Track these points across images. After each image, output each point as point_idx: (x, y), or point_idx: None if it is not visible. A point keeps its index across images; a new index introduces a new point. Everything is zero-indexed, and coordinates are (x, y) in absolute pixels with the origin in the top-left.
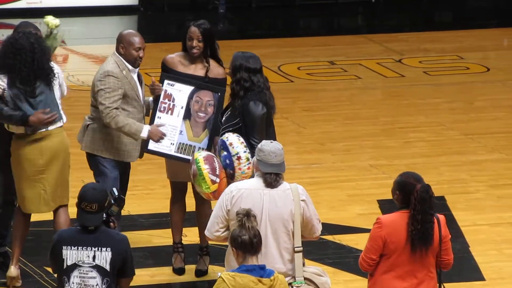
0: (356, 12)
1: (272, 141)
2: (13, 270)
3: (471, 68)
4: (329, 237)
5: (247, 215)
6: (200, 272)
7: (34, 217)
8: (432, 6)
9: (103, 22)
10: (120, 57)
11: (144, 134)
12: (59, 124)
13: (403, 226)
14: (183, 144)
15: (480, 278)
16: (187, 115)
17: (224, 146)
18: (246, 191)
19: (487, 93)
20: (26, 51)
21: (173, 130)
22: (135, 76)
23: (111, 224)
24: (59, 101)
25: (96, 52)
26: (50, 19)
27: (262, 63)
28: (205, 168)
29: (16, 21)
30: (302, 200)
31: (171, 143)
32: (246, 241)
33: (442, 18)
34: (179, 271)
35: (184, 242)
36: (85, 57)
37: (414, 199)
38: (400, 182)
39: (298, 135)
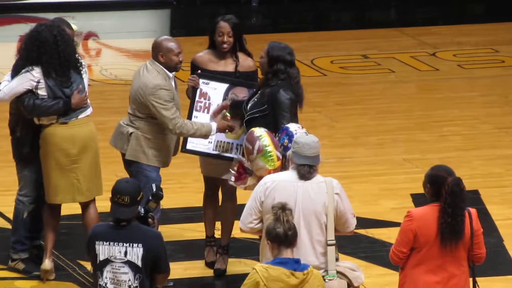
0: (389, 5)
1: (307, 133)
2: (47, 263)
3: (506, 61)
4: (362, 231)
5: (282, 208)
6: (218, 271)
7: (67, 211)
8: None
9: (137, 16)
10: (161, 66)
11: (214, 131)
12: (88, 112)
13: (433, 219)
14: (221, 141)
15: (509, 273)
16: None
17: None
18: (280, 183)
19: None
20: (50, 43)
21: None
22: (173, 82)
23: (149, 220)
24: (87, 91)
25: (129, 46)
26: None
27: (296, 57)
28: (272, 144)
29: (50, 16)
30: (336, 194)
31: (209, 141)
32: (281, 234)
33: (476, 11)
34: (212, 265)
35: (216, 236)
36: (118, 51)
37: (445, 192)
38: (431, 175)
39: (331, 129)
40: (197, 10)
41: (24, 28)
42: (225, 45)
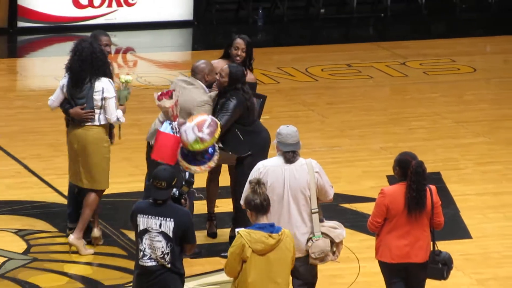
0: (368, 24)
1: (288, 125)
2: (96, 231)
3: (461, 69)
4: (347, 205)
5: (258, 183)
6: (213, 235)
7: (111, 190)
8: (430, 18)
9: (165, 34)
10: (203, 84)
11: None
12: (95, 122)
13: (401, 195)
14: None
15: (468, 236)
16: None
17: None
18: (271, 167)
19: (474, 89)
20: (73, 56)
21: None
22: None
23: (182, 200)
24: (97, 109)
25: (159, 58)
26: (123, 76)
27: (293, 66)
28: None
29: None
30: (316, 172)
31: None
32: (258, 204)
33: (438, 29)
34: (212, 235)
35: (215, 211)
36: (151, 62)
37: (410, 172)
38: (399, 160)
39: (322, 124)
40: (214, 29)
41: None
42: (238, 58)
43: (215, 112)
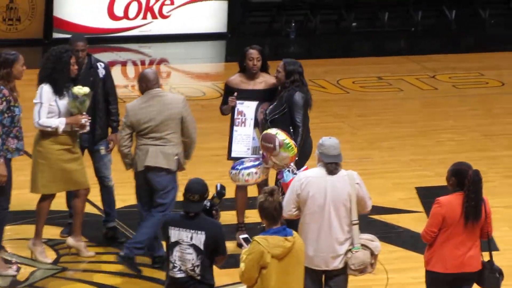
0: (399, 37)
1: (330, 137)
2: (69, 239)
3: (489, 83)
4: (376, 217)
5: (270, 193)
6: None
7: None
8: (459, 33)
9: (199, 46)
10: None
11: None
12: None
13: (458, 205)
14: (256, 147)
15: (495, 249)
16: (256, 124)
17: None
18: (312, 179)
19: (502, 102)
20: (65, 66)
21: (247, 138)
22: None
23: (213, 212)
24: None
25: (193, 70)
26: (76, 89)
27: (325, 79)
28: (288, 136)
29: (131, 46)
30: (356, 183)
31: (247, 149)
32: (268, 212)
33: (467, 43)
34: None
35: (245, 221)
36: (184, 73)
37: (468, 182)
38: (455, 170)
39: (353, 136)
40: (246, 40)
41: (111, 55)
42: (255, 67)
43: (275, 107)
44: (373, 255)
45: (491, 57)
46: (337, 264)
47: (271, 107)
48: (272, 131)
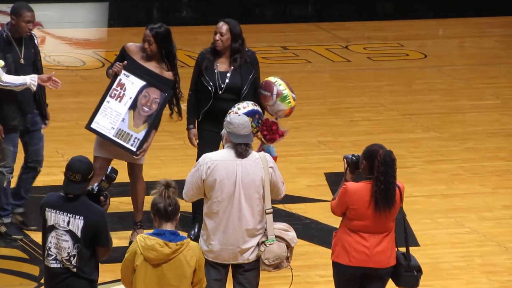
0: (306, 1)
1: (239, 114)
2: None
3: (410, 55)
4: (280, 206)
5: (166, 186)
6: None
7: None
8: None
9: (77, 7)
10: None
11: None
12: None
13: (366, 194)
14: (122, 130)
15: (415, 244)
16: (133, 106)
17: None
18: (220, 162)
19: (424, 77)
20: None
21: (117, 116)
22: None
23: (101, 198)
24: None
25: (70, 35)
26: None
27: None
28: (287, 88)
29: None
30: (270, 167)
31: (112, 127)
32: (161, 208)
33: (385, 9)
34: None
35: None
36: (60, 40)
37: (378, 162)
38: (366, 151)
39: None
40: (133, 4)
41: None
42: (147, 51)
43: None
44: (289, 247)
45: (411, 25)
46: (247, 257)
47: (228, 79)
48: (273, 78)
